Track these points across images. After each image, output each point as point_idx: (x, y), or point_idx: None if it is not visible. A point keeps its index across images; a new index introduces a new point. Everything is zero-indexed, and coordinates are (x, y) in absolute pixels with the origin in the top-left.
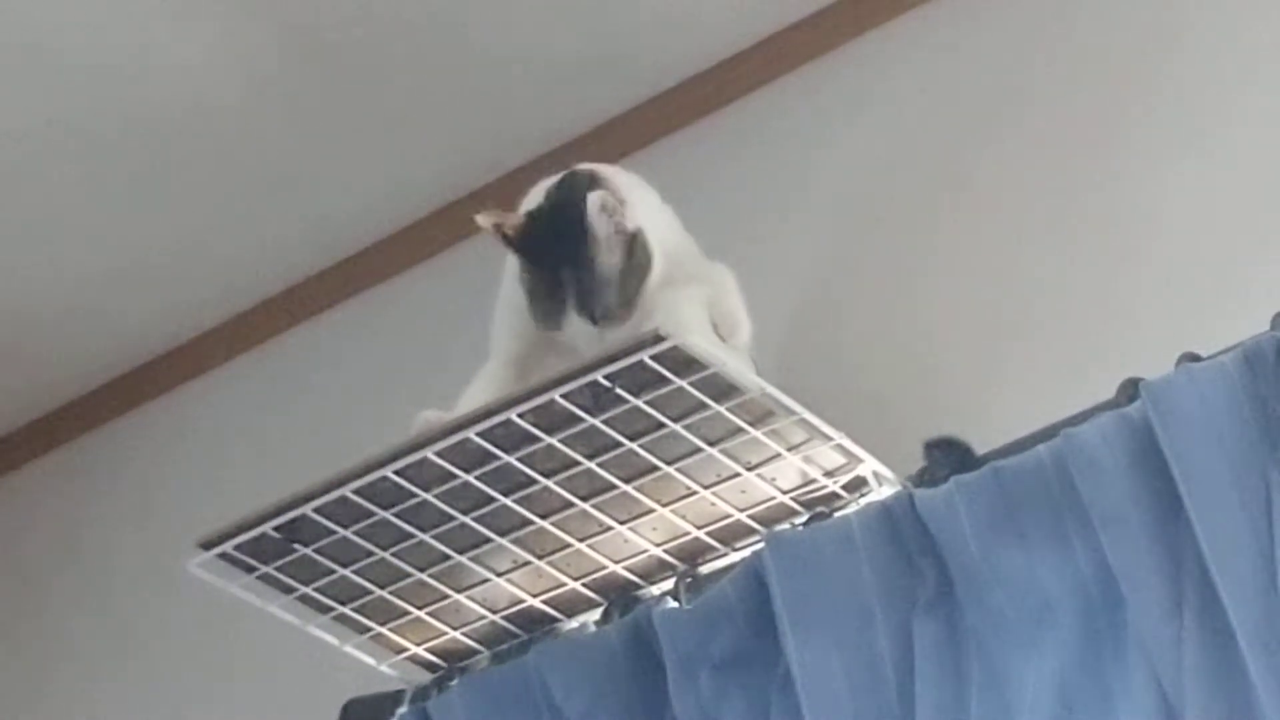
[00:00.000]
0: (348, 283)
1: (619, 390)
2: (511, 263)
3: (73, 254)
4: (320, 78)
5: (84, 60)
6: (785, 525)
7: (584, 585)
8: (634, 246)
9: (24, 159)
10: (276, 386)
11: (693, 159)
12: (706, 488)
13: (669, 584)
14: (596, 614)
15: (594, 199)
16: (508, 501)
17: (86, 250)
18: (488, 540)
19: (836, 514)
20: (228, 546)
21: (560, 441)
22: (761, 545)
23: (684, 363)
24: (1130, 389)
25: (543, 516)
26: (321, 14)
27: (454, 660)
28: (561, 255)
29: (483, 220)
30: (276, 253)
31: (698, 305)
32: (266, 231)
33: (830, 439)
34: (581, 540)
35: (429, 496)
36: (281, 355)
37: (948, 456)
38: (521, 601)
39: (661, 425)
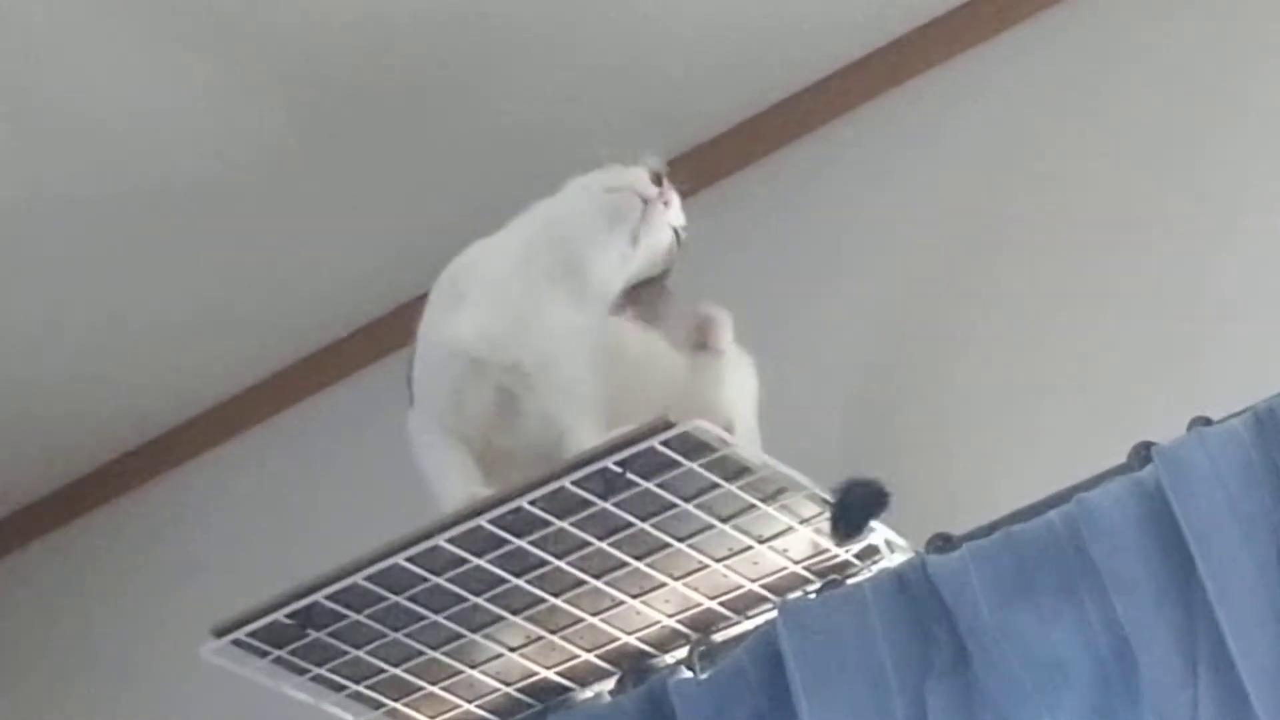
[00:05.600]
0: (360, 353)
1: (630, 475)
2: None
3: (66, 332)
4: (329, 149)
5: (90, 129)
6: (798, 593)
7: (597, 656)
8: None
9: (33, 230)
10: (289, 460)
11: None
12: (719, 561)
13: (683, 652)
14: (611, 683)
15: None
16: (520, 582)
17: (85, 325)
18: (500, 618)
19: (849, 581)
20: (241, 634)
21: (572, 525)
22: (774, 614)
23: (695, 446)
24: (1142, 453)
25: (555, 595)
26: (331, 85)
27: None
28: None
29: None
30: (288, 322)
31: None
32: (276, 300)
33: None
34: (594, 614)
35: (441, 580)
36: (293, 428)
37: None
38: (535, 674)
39: (673, 505)
